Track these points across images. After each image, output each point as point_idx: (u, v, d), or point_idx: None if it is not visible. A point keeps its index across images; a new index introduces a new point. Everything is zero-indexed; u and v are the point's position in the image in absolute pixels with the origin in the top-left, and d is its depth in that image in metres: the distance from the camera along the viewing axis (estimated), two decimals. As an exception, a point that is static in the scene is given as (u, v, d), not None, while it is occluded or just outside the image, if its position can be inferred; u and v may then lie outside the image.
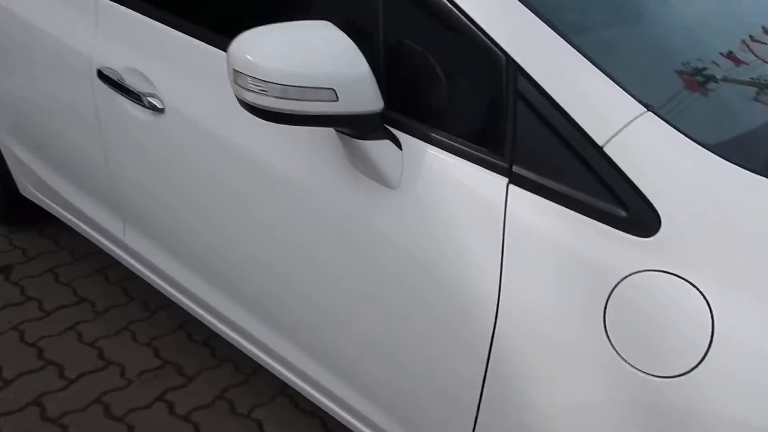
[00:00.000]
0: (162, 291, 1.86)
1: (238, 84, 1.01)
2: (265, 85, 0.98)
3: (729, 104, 1.14)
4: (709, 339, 0.87)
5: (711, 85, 1.14)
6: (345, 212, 1.20)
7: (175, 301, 1.83)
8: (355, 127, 1.07)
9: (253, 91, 1.00)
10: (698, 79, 1.14)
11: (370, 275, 1.21)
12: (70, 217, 2.11)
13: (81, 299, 2.22)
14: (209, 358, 2.02)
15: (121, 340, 2.06)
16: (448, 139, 1.08)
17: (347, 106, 1.02)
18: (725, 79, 1.17)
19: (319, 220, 1.25)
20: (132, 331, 2.10)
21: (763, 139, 1.05)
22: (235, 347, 2.00)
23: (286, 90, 0.98)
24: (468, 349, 1.10)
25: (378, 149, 1.10)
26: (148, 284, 2.18)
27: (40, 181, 2.12)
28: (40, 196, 2.20)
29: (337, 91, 1.00)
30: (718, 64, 1.19)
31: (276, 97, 0.99)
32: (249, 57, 0.98)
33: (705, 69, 1.17)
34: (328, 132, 1.21)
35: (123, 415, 1.81)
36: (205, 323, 1.75)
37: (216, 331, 1.74)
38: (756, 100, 1.18)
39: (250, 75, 0.98)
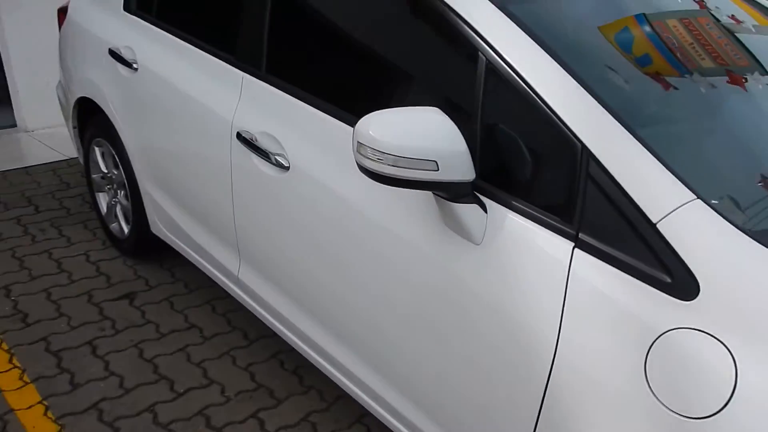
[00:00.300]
0: (264, 321, 2.15)
1: (359, 153, 1.30)
2: (382, 155, 1.26)
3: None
4: (732, 388, 1.04)
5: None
6: (436, 260, 1.45)
7: (275, 330, 2.11)
8: (450, 192, 1.33)
9: (371, 159, 1.28)
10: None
11: (450, 316, 1.44)
12: (192, 253, 2.45)
13: (191, 325, 2.54)
14: (297, 385, 2.27)
15: (223, 363, 2.35)
16: (527, 207, 1.32)
17: (445, 175, 1.28)
18: None
19: (413, 266, 1.50)
20: (233, 356, 2.39)
21: None
22: (320, 376, 2.25)
23: (397, 160, 1.26)
24: (527, 387, 1.30)
25: (467, 211, 1.35)
26: (249, 316, 2.48)
27: (170, 221, 2.49)
28: (168, 233, 2.56)
29: (438, 163, 1.26)
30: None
31: (389, 165, 1.26)
32: (371, 133, 1.27)
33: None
34: (428, 195, 1.47)
35: (221, 426, 2.08)
36: (300, 351, 2.02)
37: (308, 359, 1.99)
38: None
39: (371, 147, 1.27)
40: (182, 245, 2.51)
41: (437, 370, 1.53)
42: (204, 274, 2.46)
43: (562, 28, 1.53)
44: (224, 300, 2.68)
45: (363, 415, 2.15)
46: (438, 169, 1.27)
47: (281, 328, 2.07)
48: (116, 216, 2.95)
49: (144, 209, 2.67)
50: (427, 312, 1.50)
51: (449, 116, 1.31)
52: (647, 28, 1.55)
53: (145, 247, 2.85)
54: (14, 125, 4.92)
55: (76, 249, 3.01)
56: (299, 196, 1.79)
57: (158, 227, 2.62)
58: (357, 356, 1.79)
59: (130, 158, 2.60)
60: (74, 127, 3.06)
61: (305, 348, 1.99)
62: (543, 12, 1.50)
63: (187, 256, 2.52)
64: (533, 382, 1.30)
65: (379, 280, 1.60)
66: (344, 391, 1.91)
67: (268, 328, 2.16)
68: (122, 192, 2.82)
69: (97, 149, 2.92)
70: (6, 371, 2.25)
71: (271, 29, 1.94)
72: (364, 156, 1.29)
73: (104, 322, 2.53)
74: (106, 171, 2.92)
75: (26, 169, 3.83)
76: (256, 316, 2.21)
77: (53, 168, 3.86)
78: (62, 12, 3.04)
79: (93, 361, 2.32)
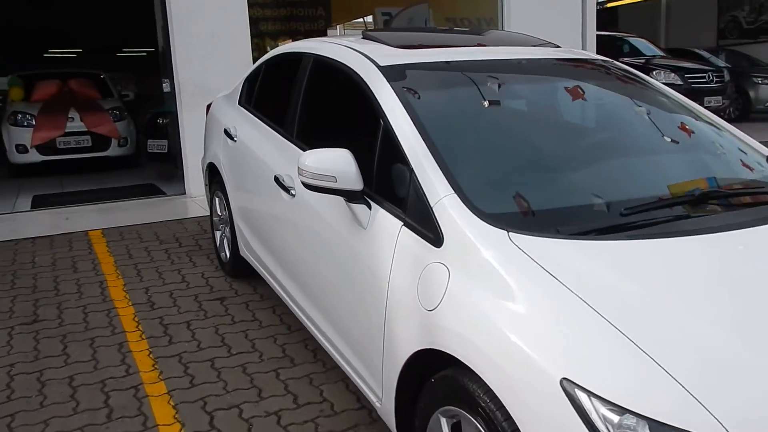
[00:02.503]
0: (284, 301, 3.12)
1: (299, 173, 2.28)
2: (308, 173, 2.24)
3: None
4: (444, 291, 1.82)
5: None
6: (346, 239, 2.36)
7: (285, 302, 3.07)
8: (347, 196, 2.26)
9: (304, 176, 2.26)
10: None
11: (350, 271, 2.33)
12: (261, 271, 3.52)
13: (261, 323, 3.58)
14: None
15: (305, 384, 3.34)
16: (390, 206, 2.20)
17: (342, 185, 2.22)
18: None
19: (337, 244, 2.43)
20: (311, 377, 3.37)
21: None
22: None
23: (315, 176, 2.23)
24: (378, 309, 2.14)
25: (358, 208, 2.27)
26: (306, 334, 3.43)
27: (248, 244, 3.61)
28: (247, 254, 3.68)
29: (336, 177, 2.21)
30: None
31: (311, 179, 2.23)
32: (305, 161, 2.26)
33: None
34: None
35: None
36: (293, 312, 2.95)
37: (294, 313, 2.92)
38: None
39: (304, 169, 2.25)
40: (253, 261, 3.60)
41: (343, 302, 2.41)
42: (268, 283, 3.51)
43: (424, 103, 2.41)
44: (285, 306, 3.70)
45: None
46: (336, 181, 2.22)
47: (288, 301, 3.04)
48: (224, 246, 4.15)
49: (236, 238, 3.83)
50: (341, 268, 2.40)
51: (365, 152, 2.26)
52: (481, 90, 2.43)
53: (238, 267, 4.00)
54: (184, 193, 6.56)
55: (197, 270, 4.25)
56: (297, 211, 2.81)
57: (243, 250, 3.75)
58: (312, 304, 2.71)
59: (230, 201, 3.81)
60: (206, 185, 4.39)
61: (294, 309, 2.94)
62: (415, 96, 2.42)
63: (256, 269, 3.60)
64: (380, 306, 2.13)
65: (326, 251, 2.54)
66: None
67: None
68: (227, 228, 4.03)
69: (216, 199, 4.19)
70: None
71: (300, 116, 3.04)
72: (301, 174, 2.28)
73: (199, 313, 3.66)
74: (220, 214, 4.17)
75: (181, 221, 5.27)
76: (286, 305, 3.19)
77: (198, 220, 5.27)
78: (208, 106, 4.46)
79: (185, 333, 3.43)
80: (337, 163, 2.23)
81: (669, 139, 2.51)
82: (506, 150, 2.33)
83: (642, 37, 12.55)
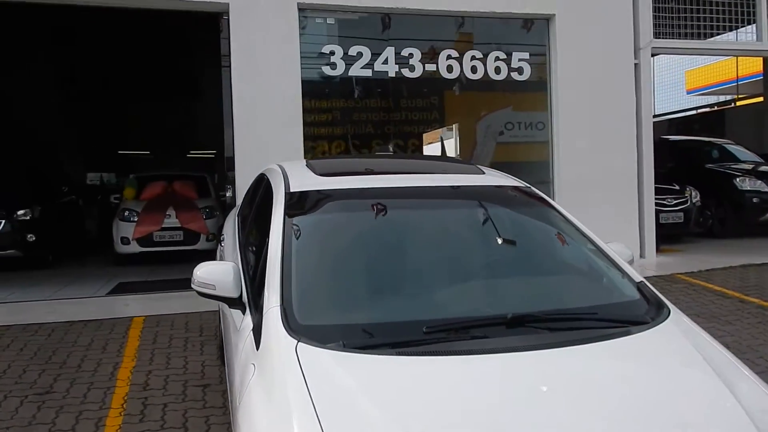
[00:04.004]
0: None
1: (192, 281, 2.74)
2: (197, 281, 2.69)
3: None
4: (245, 392, 2.15)
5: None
6: (231, 338, 2.75)
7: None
8: (226, 302, 2.67)
9: (194, 283, 2.71)
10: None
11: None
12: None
13: (223, 406, 3.98)
14: None
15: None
16: (253, 312, 2.58)
17: (220, 292, 2.64)
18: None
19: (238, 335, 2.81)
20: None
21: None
22: None
23: (200, 284, 2.67)
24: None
25: (235, 312, 2.66)
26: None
27: (224, 336, 4.09)
28: (225, 345, 4.15)
29: (215, 285, 2.64)
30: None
31: (198, 286, 2.68)
32: (196, 271, 2.71)
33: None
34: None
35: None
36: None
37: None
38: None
39: (194, 277, 2.71)
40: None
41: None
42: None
43: (306, 225, 2.79)
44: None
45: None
46: (215, 289, 2.65)
47: None
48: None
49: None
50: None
51: (254, 266, 2.70)
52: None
53: (226, 357, 4.45)
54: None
55: (201, 358, 4.76)
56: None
57: (224, 342, 4.22)
58: None
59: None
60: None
61: None
62: (302, 219, 2.81)
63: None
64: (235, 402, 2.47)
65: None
66: None
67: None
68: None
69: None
70: None
71: (248, 229, 3.54)
72: (192, 282, 2.74)
73: (179, 396, 4.11)
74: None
75: (215, 312, 5.87)
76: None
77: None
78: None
79: (159, 413, 3.89)
80: (217, 273, 2.66)
81: (528, 265, 2.71)
82: (349, 271, 2.64)
83: (738, 143, 12.09)
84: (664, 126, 17.84)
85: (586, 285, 2.72)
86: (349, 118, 7.93)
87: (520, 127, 8.73)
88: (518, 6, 7.95)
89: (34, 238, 8.97)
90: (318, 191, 3.01)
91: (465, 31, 8.16)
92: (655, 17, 8.61)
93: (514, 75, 8.07)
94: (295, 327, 2.22)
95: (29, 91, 14.69)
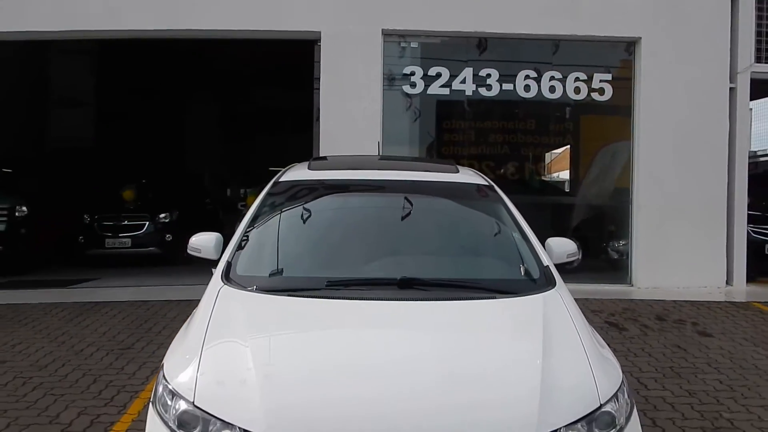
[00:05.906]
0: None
1: (187, 247, 3.51)
2: (191, 246, 3.46)
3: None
4: None
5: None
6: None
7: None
8: (210, 264, 3.41)
9: (188, 247, 3.49)
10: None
11: None
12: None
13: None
14: None
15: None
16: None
17: (205, 255, 3.39)
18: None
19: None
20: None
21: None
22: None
23: (192, 248, 3.44)
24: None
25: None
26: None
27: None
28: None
29: (201, 249, 3.40)
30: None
31: (191, 250, 3.45)
32: (192, 238, 3.50)
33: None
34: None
35: None
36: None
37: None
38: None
39: (188, 243, 3.48)
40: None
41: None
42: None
43: (278, 206, 3.44)
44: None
45: None
46: (201, 252, 3.40)
47: None
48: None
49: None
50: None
51: None
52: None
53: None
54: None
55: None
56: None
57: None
58: None
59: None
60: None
61: None
62: (279, 201, 3.48)
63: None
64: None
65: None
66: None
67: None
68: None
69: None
70: None
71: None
72: (187, 247, 3.51)
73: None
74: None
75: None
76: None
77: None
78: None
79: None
80: (204, 241, 3.42)
81: (450, 245, 3.19)
82: (291, 239, 3.27)
83: None
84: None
85: (492, 263, 3.12)
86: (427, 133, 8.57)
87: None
88: (599, 29, 8.02)
89: (171, 238, 10.46)
90: (298, 181, 3.67)
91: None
92: (757, 41, 8.27)
93: (595, 96, 8.21)
94: (232, 276, 2.91)
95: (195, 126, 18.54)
